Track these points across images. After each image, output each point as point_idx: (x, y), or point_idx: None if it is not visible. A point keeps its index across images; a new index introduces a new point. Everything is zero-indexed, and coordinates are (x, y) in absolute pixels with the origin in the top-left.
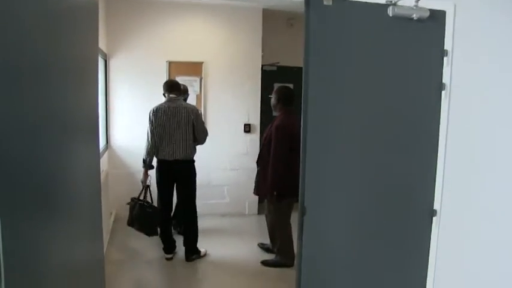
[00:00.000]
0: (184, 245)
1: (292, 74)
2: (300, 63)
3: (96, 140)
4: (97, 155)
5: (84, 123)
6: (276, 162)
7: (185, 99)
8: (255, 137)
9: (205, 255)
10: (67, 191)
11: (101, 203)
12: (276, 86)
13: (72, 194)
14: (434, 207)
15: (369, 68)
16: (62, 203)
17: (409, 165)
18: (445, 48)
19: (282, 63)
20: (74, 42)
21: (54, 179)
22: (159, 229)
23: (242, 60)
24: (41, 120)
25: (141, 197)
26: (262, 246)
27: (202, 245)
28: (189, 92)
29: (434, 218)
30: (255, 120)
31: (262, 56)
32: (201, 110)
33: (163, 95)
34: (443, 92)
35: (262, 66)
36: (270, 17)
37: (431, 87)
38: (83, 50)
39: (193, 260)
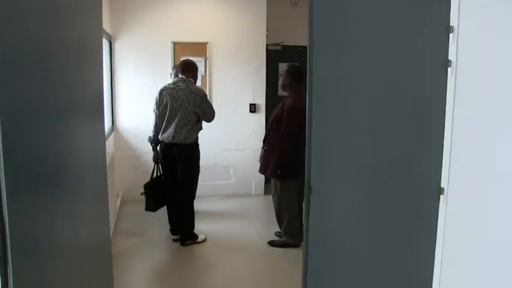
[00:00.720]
0: (180, 228)
1: (297, 53)
2: (304, 42)
3: (101, 122)
4: (102, 137)
5: (89, 104)
6: (286, 141)
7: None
8: (260, 117)
9: (204, 240)
10: (73, 172)
11: (107, 184)
12: (282, 65)
13: (78, 175)
14: (442, 185)
15: (373, 46)
16: (68, 185)
17: (416, 143)
18: (450, 24)
19: (287, 43)
20: (76, 23)
21: (59, 160)
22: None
23: (247, 40)
24: (44, 103)
25: (154, 175)
26: (278, 234)
27: (208, 226)
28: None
29: (441, 196)
30: (261, 100)
31: (267, 36)
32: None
33: (176, 75)
34: (449, 69)
35: (267, 46)
36: None
37: (437, 65)
38: (87, 31)
39: (187, 245)
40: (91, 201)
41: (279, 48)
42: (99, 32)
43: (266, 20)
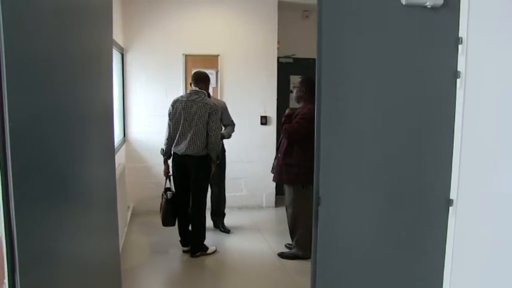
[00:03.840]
0: (190, 240)
1: (309, 65)
2: (315, 55)
3: (111, 131)
4: (112, 146)
5: (98, 114)
6: (303, 143)
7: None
8: (271, 129)
9: (214, 252)
10: (81, 181)
11: (116, 195)
12: (293, 78)
13: (87, 185)
14: (451, 197)
15: (381, 57)
16: (76, 194)
17: (425, 154)
18: (459, 35)
19: (298, 55)
20: (87, 33)
21: (67, 169)
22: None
23: (258, 53)
24: (53, 111)
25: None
26: (289, 246)
27: (219, 238)
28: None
29: (450, 208)
30: (272, 113)
31: (278, 48)
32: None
33: (190, 84)
34: (458, 80)
35: (278, 58)
36: (285, 9)
37: (446, 76)
38: (97, 41)
39: (197, 256)
40: (100, 211)
41: (290, 60)
42: (110, 42)
43: (277, 33)
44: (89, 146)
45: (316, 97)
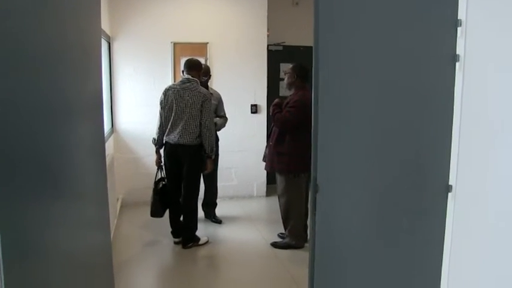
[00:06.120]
0: (181, 231)
1: (299, 53)
2: (306, 42)
3: (100, 122)
4: (102, 138)
5: (87, 105)
6: (293, 132)
7: (206, 81)
8: (262, 118)
9: (206, 243)
10: (69, 173)
11: (106, 187)
12: (283, 66)
13: (75, 176)
14: (450, 183)
15: (379, 41)
16: (64, 186)
17: (423, 139)
18: (458, 17)
19: (288, 43)
20: (75, 23)
21: (54, 160)
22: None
23: (247, 40)
24: (40, 102)
25: (156, 179)
26: (281, 236)
27: (210, 228)
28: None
29: (449, 194)
30: (262, 101)
31: (268, 36)
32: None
33: (182, 72)
34: (457, 64)
35: (268, 46)
36: None
37: (445, 60)
38: (85, 31)
39: (189, 247)
40: (90, 204)
41: (280, 48)
42: (98, 32)
43: (267, 20)
44: (77, 137)
45: (313, 83)
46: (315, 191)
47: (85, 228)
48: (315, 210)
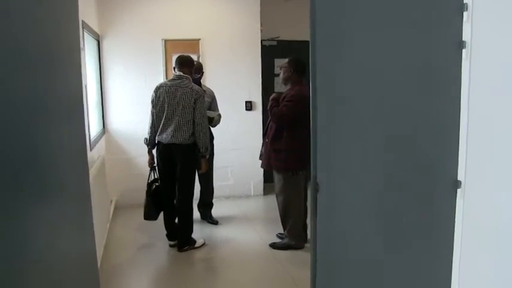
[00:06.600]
0: (177, 233)
1: (294, 48)
2: (301, 36)
3: (81, 122)
4: (83, 137)
5: (65, 104)
6: (290, 128)
7: (198, 78)
8: (257, 115)
9: (202, 245)
10: (47, 176)
11: (89, 188)
12: (277, 61)
13: (52, 181)
14: (459, 178)
15: (380, 28)
16: (40, 187)
17: (429, 133)
18: (464, 1)
19: (282, 38)
20: (49, 18)
21: (30, 163)
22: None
23: (240, 36)
24: (12, 102)
25: (149, 180)
26: (280, 236)
27: (207, 230)
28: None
29: (458, 190)
30: (257, 98)
31: (261, 31)
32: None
33: (173, 69)
34: (463, 51)
35: (262, 41)
36: None
37: (450, 46)
38: (60, 26)
39: (185, 250)
40: (70, 208)
41: (274, 43)
42: (75, 27)
43: (260, 14)
44: (53, 139)
45: (310, 77)
46: (316, 191)
47: (64, 234)
48: (316, 211)
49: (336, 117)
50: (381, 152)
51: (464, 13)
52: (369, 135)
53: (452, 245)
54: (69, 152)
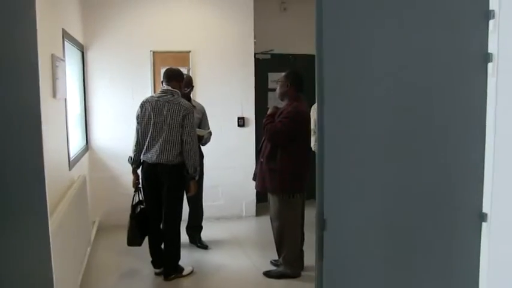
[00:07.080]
0: (163, 261)
1: (288, 62)
2: (295, 50)
3: (38, 139)
4: (39, 155)
5: (16, 122)
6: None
7: (188, 93)
8: (250, 132)
9: (190, 273)
10: None
11: (47, 214)
12: (271, 75)
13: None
14: (484, 211)
15: (395, 39)
16: None
17: (451, 159)
18: (490, 8)
19: (277, 51)
20: None
21: None
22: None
23: (233, 49)
24: None
25: (134, 202)
26: (275, 263)
27: (195, 255)
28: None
29: (484, 224)
30: (250, 113)
31: (255, 43)
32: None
33: (161, 83)
34: (489, 65)
35: (255, 54)
36: (261, 1)
37: (474, 60)
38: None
39: (172, 279)
40: (20, 229)
41: (268, 56)
42: (33, 40)
43: (253, 27)
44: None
45: (317, 101)
46: (322, 229)
47: (16, 257)
48: (322, 253)
49: (345, 142)
50: (397, 181)
51: (490, 21)
52: (382, 163)
53: (478, 285)
54: (23, 174)
